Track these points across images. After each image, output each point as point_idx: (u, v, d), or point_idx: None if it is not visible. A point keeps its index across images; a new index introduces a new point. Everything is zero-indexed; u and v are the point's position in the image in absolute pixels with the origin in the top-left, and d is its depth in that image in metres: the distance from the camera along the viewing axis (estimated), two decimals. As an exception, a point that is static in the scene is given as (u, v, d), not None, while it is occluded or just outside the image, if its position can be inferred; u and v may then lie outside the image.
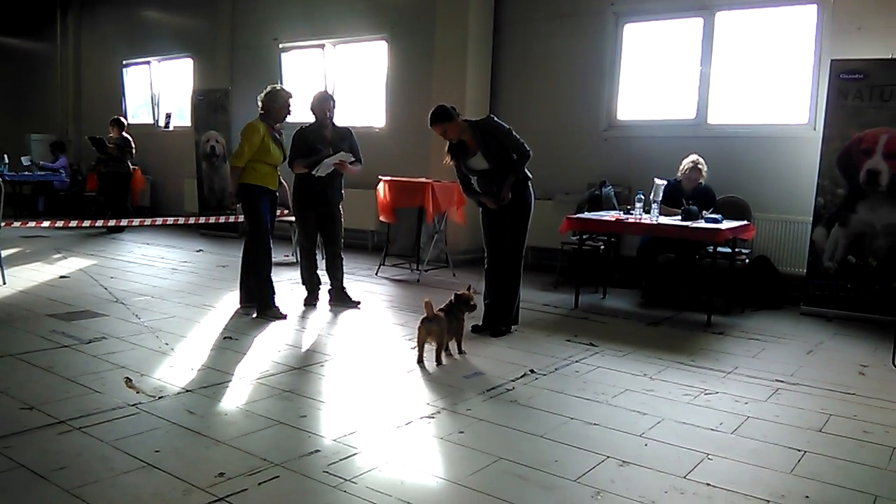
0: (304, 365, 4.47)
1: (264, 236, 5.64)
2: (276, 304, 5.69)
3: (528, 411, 3.74)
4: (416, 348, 4.55)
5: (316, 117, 5.96)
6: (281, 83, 10.61)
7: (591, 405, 3.85)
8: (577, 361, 4.66)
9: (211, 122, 10.77)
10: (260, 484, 2.82)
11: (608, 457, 3.16)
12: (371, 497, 2.74)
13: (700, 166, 6.45)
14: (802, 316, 6.20)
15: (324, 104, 5.93)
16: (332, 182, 5.96)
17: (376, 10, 9.52)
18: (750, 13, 7.14)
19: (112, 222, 8.76)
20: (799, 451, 3.30)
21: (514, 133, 5.07)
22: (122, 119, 11.24)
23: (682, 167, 6.51)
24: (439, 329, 4.45)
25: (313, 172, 5.78)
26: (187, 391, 3.89)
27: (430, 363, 4.48)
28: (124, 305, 5.90)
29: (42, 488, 2.75)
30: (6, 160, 11.39)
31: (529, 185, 5.23)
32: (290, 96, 5.69)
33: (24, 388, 3.83)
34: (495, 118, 5.20)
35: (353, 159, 5.90)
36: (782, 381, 4.35)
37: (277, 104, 5.60)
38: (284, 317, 5.59)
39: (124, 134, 10.75)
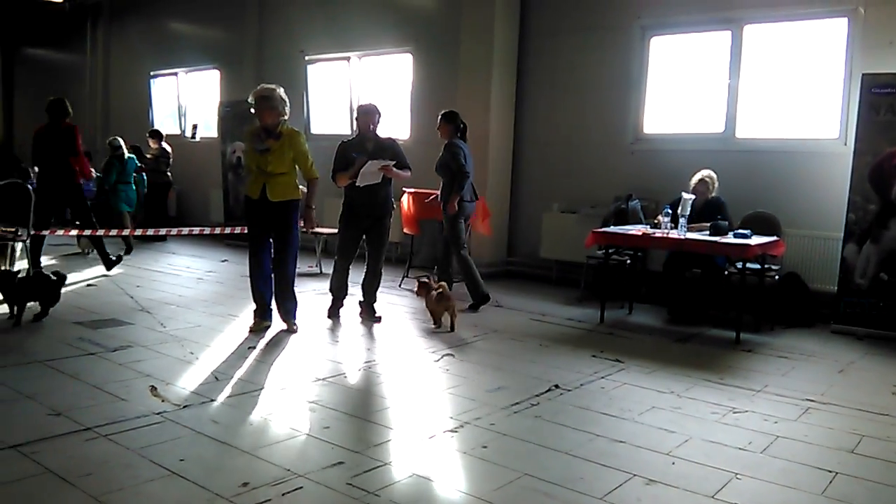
0: (327, 376, 4.46)
1: (250, 248, 5.47)
2: (259, 317, 5.52)
3: (553, 427, 3.70)
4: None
5: (359, 129, 5.91)
6: (306, 94, 10.75)
7: (618, 422, 3.80)
8: (602, 377, 4.61)
9: (237, 133, 10.80)
10: (283, 494, 2.81)
11: (634, 475, 3.11)
12: (394, 511, 2.73)
13: (707, 180, 6.41)
14: (833, 334, 6.08)
15: (368, 117, 5.83)
16: (377, 194, 5.82)
17: (401, 23, 9.56)
18: (779, 26, 7.04)
19: (139, 231, 8.83)
20: (830, 472, 3.23)
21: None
22: (160, 131, 11.46)
23: (691, 183, 6.45)
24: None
25: (357, 183, 5.71)
26: (212, 400, 3.91)
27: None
28: (150, 314, 5.95)
29: (68, 494, 2.77)
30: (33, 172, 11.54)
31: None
32: (259, 94, 5.28)
33: (51, 395, 3.86)
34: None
35: (392, 164, 5.74)
36: (813, 401, 4.26)
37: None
38: (250, 331, 5.42)
39: (163, 145, 10.96)
